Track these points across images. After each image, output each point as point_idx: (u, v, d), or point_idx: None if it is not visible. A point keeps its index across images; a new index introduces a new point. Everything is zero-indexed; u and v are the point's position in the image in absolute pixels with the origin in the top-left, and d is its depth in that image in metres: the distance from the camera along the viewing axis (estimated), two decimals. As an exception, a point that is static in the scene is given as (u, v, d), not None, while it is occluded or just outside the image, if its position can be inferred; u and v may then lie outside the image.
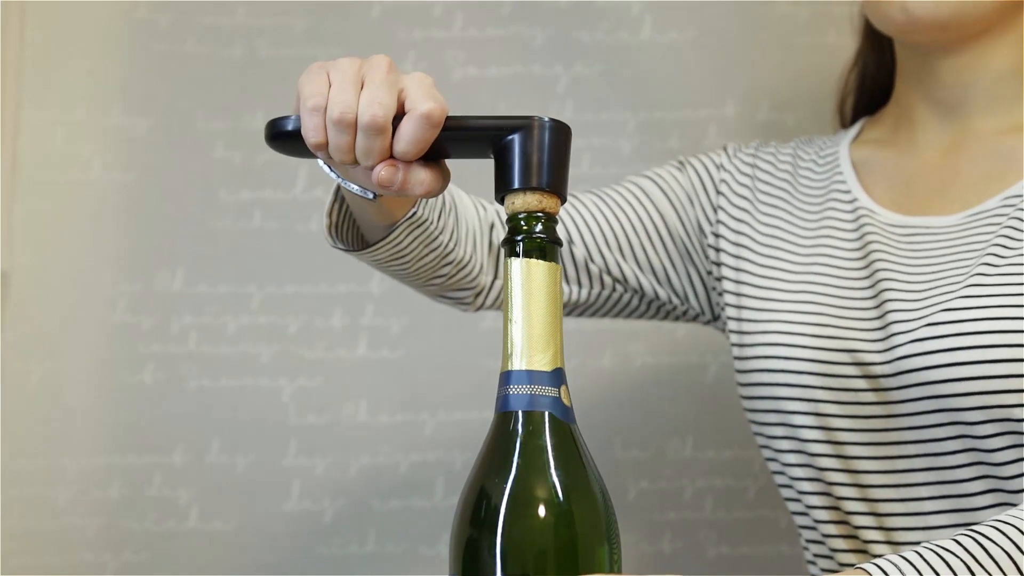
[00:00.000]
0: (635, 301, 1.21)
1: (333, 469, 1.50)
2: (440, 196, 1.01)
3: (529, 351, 0.75)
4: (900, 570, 0.82)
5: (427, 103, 0.82)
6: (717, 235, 1.18)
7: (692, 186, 1.21)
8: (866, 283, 1.07)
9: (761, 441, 1.14)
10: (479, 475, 0.75)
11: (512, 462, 0.74)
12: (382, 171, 0.84)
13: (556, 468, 0.74)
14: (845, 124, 1.28)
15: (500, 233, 1.14)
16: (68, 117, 1.51)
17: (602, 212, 1.18)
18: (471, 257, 1.09)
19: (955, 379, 0.98)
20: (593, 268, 1.17)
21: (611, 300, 1.20)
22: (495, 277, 1.14)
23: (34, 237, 1.49)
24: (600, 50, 1.55)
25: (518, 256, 0.76)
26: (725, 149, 1.24)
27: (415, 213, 0.98)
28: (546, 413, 0.75)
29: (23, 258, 1.49)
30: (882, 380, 1.03)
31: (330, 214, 1.01)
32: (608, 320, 1.47)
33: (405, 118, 0.83)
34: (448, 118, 0.83)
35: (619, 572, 0.75)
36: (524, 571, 0.72)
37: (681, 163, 1.24)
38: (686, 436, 1.51)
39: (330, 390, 1.50)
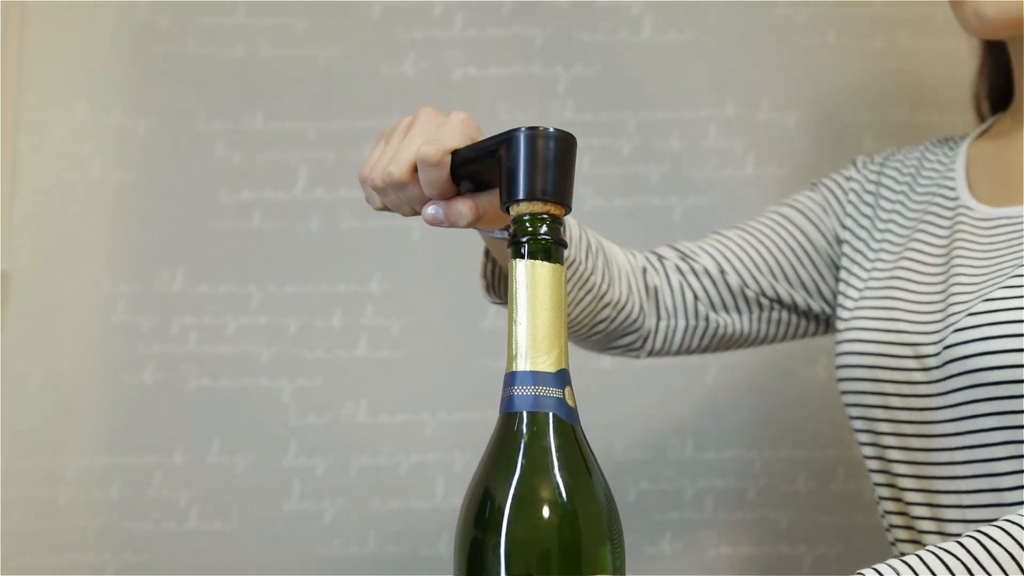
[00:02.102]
0: (793, 318, 1.24)
1: (333, 469, 1.50)
2: (585, 238, 1.05)
3: (533, 352, 0.74)
4: (897, 573, 0.82)
5: (422, 147, 0.85)
6: (844, 241, 1.21)
7: (825, 199, 1.24)
8: (941, 278, 1.09)
9: (855, 434, 1.17)
10: (484, 476, 0.75)
11: (516, 463, 0.74)
12: (426, 211, 0.88)
13: (560, 469, 0.74)
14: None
15: (654, 277, 1.17)
16: (68, 117, 1.51)
17: (748, 241, 1.22)
18: (627, 298, 1.12)
19: (992, 367, 0.99)
20: (749, 293, 1.20)
21: (771, 321, 1.23)
22: (658, 319, 1.17)
23: (34, 237, 1.49)
24: (600, 50, 1.55)
25: (523, 257, 0.76)
26: (854, 162, 1.27)
27: None
28: (550, 414, 0.75)
29: (23, 258, 1.49)
30: (934, 372, 1.05)
31: (484, 275, 1.06)
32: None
33: None
34: (461, 149, 0.86)
35: (622, 573, 0.75)
36: (528, 571, 0.72)
37: (814, 184, 1.27)
38: (686, 437, 1.51)
39: (330, 390, 1.51)
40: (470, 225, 0.88)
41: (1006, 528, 0.85)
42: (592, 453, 0.76)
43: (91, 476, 1.48)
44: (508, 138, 0.80)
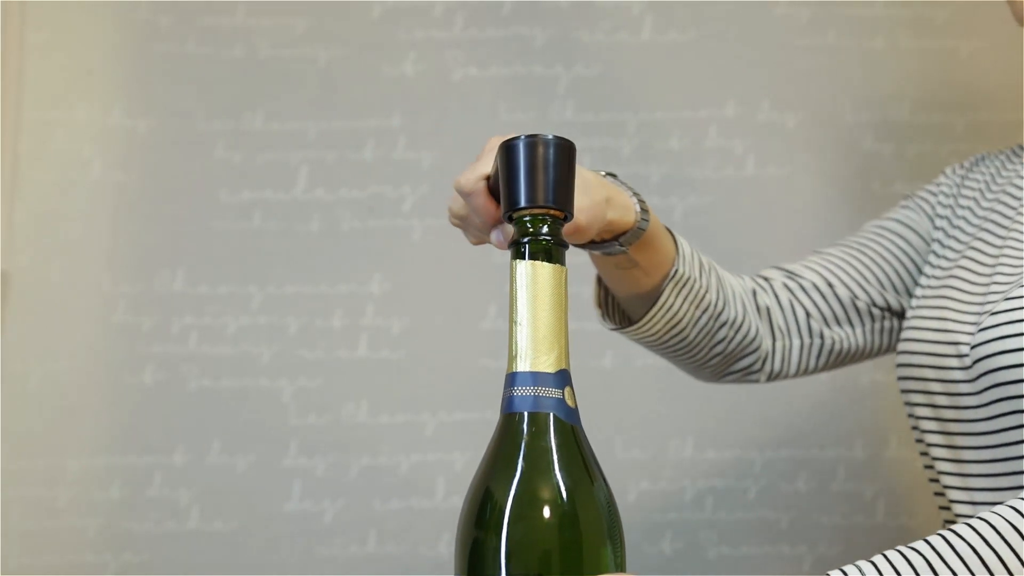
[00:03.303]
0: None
1: (333, 469, 1.50)
2: (697, 257, 1.06)
3: (534, 353, 0.75)
4: (862, 572, 0.82)
5: (459, 178, 0.88)
6: (934, 240, 1.21)
7: (918, 205, 1.23)
8: (988, 279, 1.09)
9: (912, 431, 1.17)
10: (484, 476, 0.75)
11: (517, 464, 0.74)
12: (491, 238, 0.91)
13: (560, 469, 0.74)
14: None
15: (764, 297, 1.16)
16: (68, 117, 1.51)
17: (850, 254, 1.21)
18: (744, 318, 1.12)
19: (1009, 366, 0.99)
20: (860, 305, 1.19)
21: (884, 331, 1.22)
22: (773, 339, 1.16)
23: (34, 237, 1.49)
24: (600, 50, 1.55)
25: (524, 258, 0.76)
26: (944, 171, 1.26)
27: (676, 271, 1.03)
28: (550, 415, 0.75)
29: (23, 258, 1.49)
30: (970, 371, 1.04)
31: (599, 304, 1.08)
32: (609, 320, 1.46)
33: None
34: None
35: (623, 572, 0.75)
36: (528, 572, 0.72)
37: (907, 196, 1.26)
38: (686, 437, 1.51)
39: (330, 390, 1.51)
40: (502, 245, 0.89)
41: (974, 525, 0.85)
42: (592, 453, 0.76)
43: (91, 476, 1.48)
44: (505, 148, 0.80)
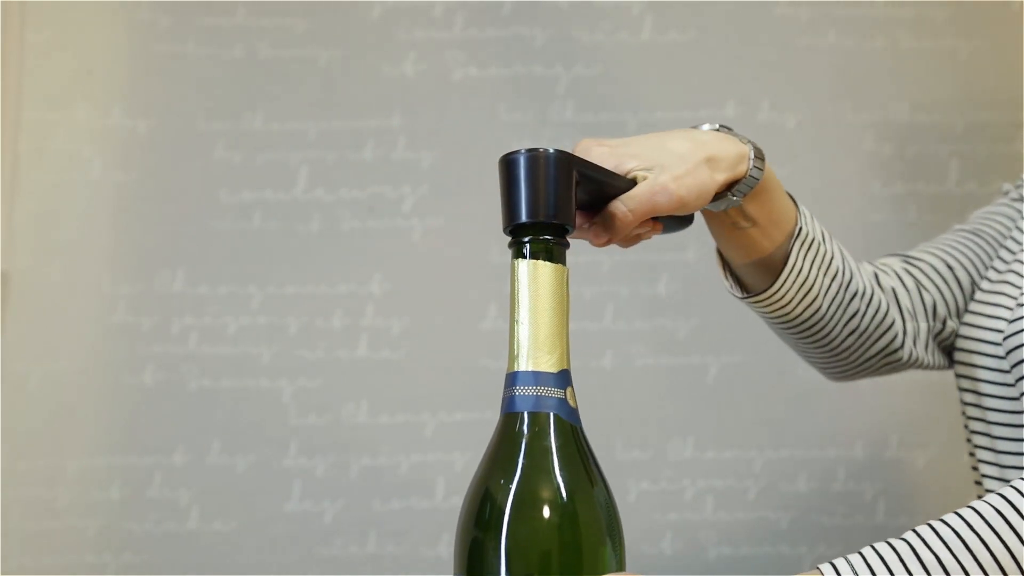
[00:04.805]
0: None
1: (333, 470, 1.50)
2: (818, 225, 1.04)
3: (535, 352, 0.75)
4: (852, 566, 0.82)
5: None
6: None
7: (1020, 194, 1.20)
8: None
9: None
10: (484, 475, 0.75)
11: (517, 463, 0.74)
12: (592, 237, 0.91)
13: (561, 469, 0.74)
14: None
15: (886, 279, 1.13)
16: (68, 117, 1.51)
17: (967, 238, 1.18)
18: (872, 291, 1.08)
19: None
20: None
21: None
22: (903, 320, 1.13)
23: (34, 237, 1.49)
24: (600, 50, 1.55)
25: (525, 257, 0.76)
26: None
27: (800, 229, 1.01)
28: (551, 414, 0.75)
29: (23, 258, 1.49)
30: (1006, 360, 1.04)
31: (724, 274, 1.07)
32: (609, 320, 1.46)
33: None
34: None
35: (623, 572, 0.75)
36: (529, 571, 0.72)
37: (1009, 184, 1.24)
38: (687, 437, 1.51)
39: (330, 390, 1.50)
40: (608, 239, 0.90)
41: (961, 513, 0.84)
42: (593, 453, 0.76)
43: (91, 476, 1.48)
44: (500, 164, 0.80)
